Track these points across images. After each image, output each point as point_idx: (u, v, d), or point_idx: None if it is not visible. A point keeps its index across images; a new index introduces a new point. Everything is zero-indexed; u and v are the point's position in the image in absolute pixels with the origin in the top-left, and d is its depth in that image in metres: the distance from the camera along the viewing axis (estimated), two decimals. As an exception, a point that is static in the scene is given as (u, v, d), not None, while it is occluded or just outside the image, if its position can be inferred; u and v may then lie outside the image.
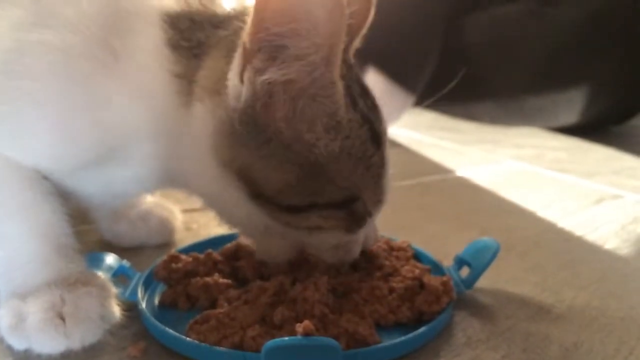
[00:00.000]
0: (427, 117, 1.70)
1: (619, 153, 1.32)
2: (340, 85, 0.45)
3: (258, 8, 0.40)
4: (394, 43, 1.35)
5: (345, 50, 0.46)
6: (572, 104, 1.47)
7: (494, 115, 1.58)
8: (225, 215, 0.53)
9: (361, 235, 0.53)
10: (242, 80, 0.44)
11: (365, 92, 0.51)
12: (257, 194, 0.47)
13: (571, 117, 1.50)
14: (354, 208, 0.49)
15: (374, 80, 1.34)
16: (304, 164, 0.46)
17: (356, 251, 0.54)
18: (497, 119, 1.59)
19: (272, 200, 0.47)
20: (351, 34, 0.53)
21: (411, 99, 1.47)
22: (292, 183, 0.46)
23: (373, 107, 0.51)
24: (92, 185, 0.53)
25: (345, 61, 0.46)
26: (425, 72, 1.50)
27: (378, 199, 0.51)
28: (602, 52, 1.42)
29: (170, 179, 0.52)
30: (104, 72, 0.47)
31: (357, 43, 0.54)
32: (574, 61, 1.44)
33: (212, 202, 0.52)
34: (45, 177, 0.50)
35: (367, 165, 0.48)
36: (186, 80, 0.48)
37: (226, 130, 0.46)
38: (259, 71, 0.43)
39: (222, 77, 0.45)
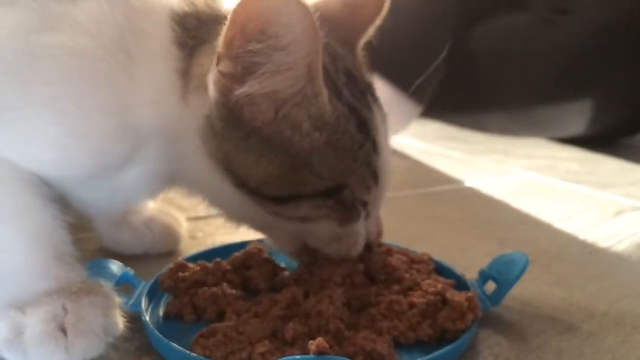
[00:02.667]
0: (434, 127, 1.68)
1: (632, 165, 1.30)
2: (324, 93, 0.46)
3: (231, 20, 0.41)
4: (401, 52, 1.34)
5: (327, 45, 0.47)
6: (582, 115, 1.45)
7: (503, 126, 1.56)
8: (223, 209, 0.53)
9: (360, 229, 0.52)
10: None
11: (354, 80, 0.51)
12: (243, 185, 0.47)
13: (580, 128, 1.48)
14: (342, 197, 0.49)
15: (381, 90, 1.32)
16: (286, 157, 0.46)
17: (359, 246, 0.53)
18: (506, 129, 1.57)
19: (256, 191, 0.47)
20: (361, 28, 0.55)
21: (418, 108, 1.46)
22: (274, 175, 0.46)
23: (361, 93, 0.51)
24: (96, 192, 0.52)
25: (329, 51, 0.48)
26: (432, 81, 1.48)
27: (368, 186, 0.50)
28: (613, 63, 1.41)
29: (173, 178, 0.53)
30: (119, 74, 0.47)
31: (368, 35, 0.55)
32: (584, 71, 1.42)
33: (209, 197, 0.53)
34: (46, 184, 0.48)
35: (354, 155, 0.48)
36: (185, 78, 0.48)
37: (209, 125, 0.46)
38: (224, 75, 0.44)
39: (206, 74, 0.46)
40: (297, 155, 0.46)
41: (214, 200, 0.53)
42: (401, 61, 1.38)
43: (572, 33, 1.43)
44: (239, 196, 0.48)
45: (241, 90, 0.44)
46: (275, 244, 0.55)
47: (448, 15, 1.50)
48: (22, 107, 0.45)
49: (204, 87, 0.46)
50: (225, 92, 0.44)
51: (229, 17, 0.41)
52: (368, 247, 0.55)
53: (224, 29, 0.42)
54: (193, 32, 0.49)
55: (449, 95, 1.56)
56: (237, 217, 0.53)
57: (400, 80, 1.37)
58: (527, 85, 1.50)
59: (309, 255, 0.53)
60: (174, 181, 0.54)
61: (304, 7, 0.40)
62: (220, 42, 0.42)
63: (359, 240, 0.53)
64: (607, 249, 0.74)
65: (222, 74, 0.44)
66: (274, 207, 0.48)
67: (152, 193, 0.59)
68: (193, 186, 0.53)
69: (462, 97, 1.58)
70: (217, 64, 0.43)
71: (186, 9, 0.50)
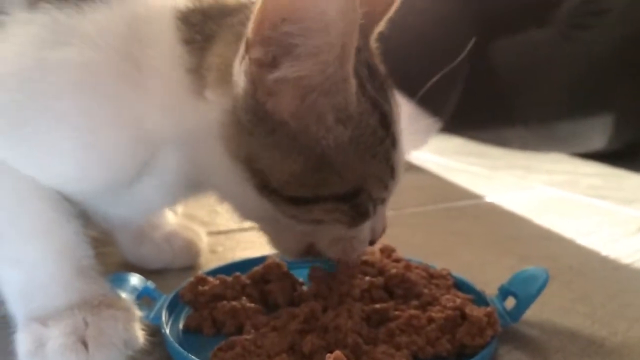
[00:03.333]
0: (455, 142, 1.67)
1: (655, 180, 1.28)
2: (352, 81, 0.44)
3: (264, 2, 0.39)
4: (420, 67, 1.34)
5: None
6: (603, 130, 1.44)
7: (524, 141, 1.55)
8: (238, 208, 0.52)
9: (365, 230, 0.52)
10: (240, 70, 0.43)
11: (373, 72, 0.50)
12: (264, 186, 0.46)
13: (601, 143, 1.46)
14: (359, 201, 0.48)
15: (402, 104, 1.32)
16: (310, 155, 0.45)
17: (360, 247, 0.53)
18: (527, 144, 1.55)
19: (277, 191, 0.46)
20: (375, 19, 0.53)
21: (438, 124, 1.45)
22: (297, 174, 0.45)
23: (381, 86, 0.49)
24: (116, 204, 0.52)
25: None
26: (452, 97, 1.48)
27: (386, 184, 0.49)
28: (634, 78, 1.39)
29: (192, 183, 0.52)
30: (129, 85, 0.46)
31: (380, 27, 0.54)
32: (604, 86, 1.41)
33: (226, 196, 0.52)
34: (68, 200, 0.48)
35: (375, 153, 0.47)
36: (197, 74, 0.46)
37: (232, 119, 0.45)
38: (259, 63, 0.42)
39: (229, 65, 0.44)
40: (321, 154, 0.45)
41: (230, 199, 0.52)
42: (421, 77, 1.38)
43: (593, 48, 1.42)
44: (256, 197, 0.47)
45: (273, 76, 0.42)
46: (277, 244, 0.54)
47: (468, 30, 1.50)
48: (36, 122, 0.45)
49: (224, 78, 0.45)
50: (256, 80, 0.42)
51: (257, 5, 0.39)
52: (370, 243, 0.54)
53: (254, 13, 0.40)
54: (199, 26, 0.47)
55: (470, 111, 1.56)
56: (249, 216, 0.53)
57: (420, 95, 1.37)
58: (547, 101, 1.49)
59: (311, 256, 0.53)
60: (194, 187, 0.53)
61: None
62: (249, 28, 0.40)
63: (364, 242, 0.52)
64: (630, 264, 0.72)
65: (253, 60, 0.42)
66: (289, 209, 0.47)
67: (174, 201, 0.59)
68: (211, 187, 0.52)
69: (483, 112, 1.58)
70: (247, 51, 0.42)
71: (190, 5, 0.49)
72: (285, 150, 0.44)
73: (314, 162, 0.45)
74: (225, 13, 0.48)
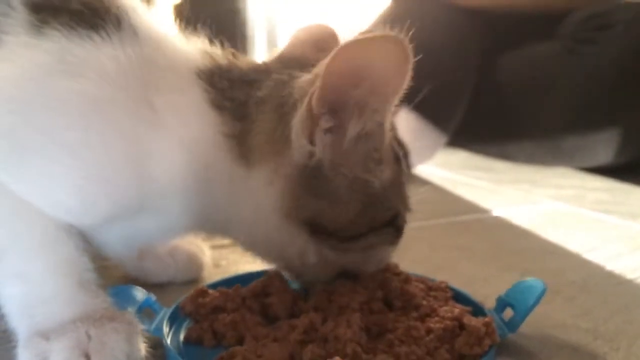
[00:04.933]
0: (460, 156, 1.67)
1: (663, 195, 1.27)
2: (388, 123, 0.48)
3: (327, 72, 0.42)
4: (426, 81, 1.35)
5: None
6: (609, 144, 1.43)
7: (530, 155, 1.55)
8: (271, 255, 0.55)
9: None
10: (311, 142, 0.46)
11: None
12: (320, 232, 0.49)
13: (608, 157, 1.45)
14: (398, 222, 0.53)
15: (406, 119, 1.33)
16: (364, 197, 0.49)
17: (390, 257, 0.57)
18: (533, 158, 1.55)
19: (333, 235, 0.50)
20: None
21: (443, 137, 1.45)
22: (355, 217, 0.49)
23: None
24: (115, 236, 0.52)
25: None
26: (458, 111, 1.48)
27: (407, 207, 0.54)
28: None
29: (204, 226, 0.54)
30: (142, 125, 0.47)
31: None
32: (610, 100, 1.41)
33: (258, 245, 0.54)
34: None
35: (400, 180, 0.52)
36: (237, 141, 0.49)
37: (293, 187, 0.48)
38: (328, 131, 0.46)
39: (277, 140, 0.48)
40: (372, 193, 0.49)
41: (262, 248, 0.54)
42: (428, 92, 1.38)
43: (598, 63, 1.42)
44: (305, 243, 0.50)
45: (348, 137, 0.46)
46: (306, 277, 0.56)
47: (474, 45, 1.51)
48: (41, 150, 0.45)
49: (274, 152, 0.48)
50: (332, 146, 0.47)
51: (322, 72, 0.42)
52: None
53: (318, 86, 0.43)
54: (227, 93, 0.50)
55: (476, 125, 1.56)
56: (281, 260, 0.55)
57: (426, 111, 1.37)
58: (553, 115, 1.49)
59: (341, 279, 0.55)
60: (205, 228, 0.56)
61: (398, 41, 0.41)
62: (315, 101, 0.44)
63: (390, 254, 0.57)
64: (634, 280, 0.72)
65: (326, 130, 0.46)
66: (345, 245, 0.51)
67: (173, 237, 0.61)
68: (237, 236, 0.55)
69: (489, 126, 1.58)
70: (316, 124, 0.45)
71: (208, 64, 0.51)
72: (346, 201, 0.49)
73: (367, 203, 0.49)
74: (246, 81, 0.51)
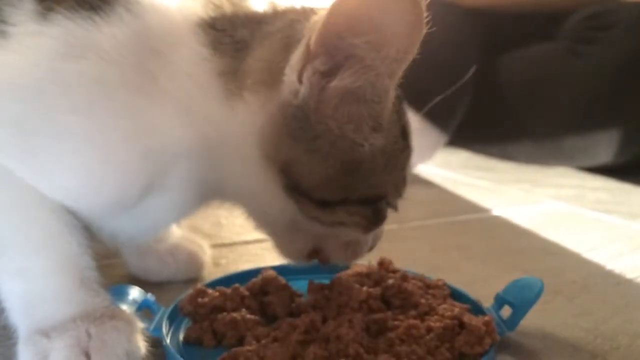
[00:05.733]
0: (461, 156, 1.67)
1: (664, 195, 1.27)
2: (392, 93, 0.46)
3: (334, 13, 0.40)
4: (427, 81, 1.34)
5: None
6: (610, 144, 1.43)
7: (531, 155, 1.55)
8: (255, 212, 0.53)
9: (370, 237, 0.54)
10: (300, 79, 0.44)
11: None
12: (293, 187, 0.47)
13: (608, 157, 1.45)
14: (379, 206, 0.51)
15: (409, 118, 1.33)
16: (345, 160, 0.46)
17: (365, 251, 0.55)
18: (534, 158, 1.55)
19: (306, 193, 0.48)
20: None
21: (444, 137, 1.45)
22: (330, 178, 0.47)
23: (399, 98, 0.51)
24: (123, 221, 0.51)
25: None
26: (458, 111, 1.48)
27: (400, 192, 0.52)
28: (640, 91, 1.39)
29: (204, 195, 0.53)
30: (145, 99, 0.46)
31: None
32: (611, 100, 1.41)
33: (245, 199, 0.53)
34: (72, 213, 0.48)
35: (396, 162, 0.50)
36: (231, 76, 0.47)
37: (276, 124, 0.46)
38: (318, 73, 0.43)
39: (275, 71, 0.45)
40: (355, 160, 0.47)
41: (250, 203, 0.53)
42: (427, 91, 1.38)
43: (599, 63, 1.42)
44: (281, 199, 0.48)
45: (332, 85, 0.43)
46: (284, 247, 0.55)
47: (475, 45, 1.51)
48: (46, 134, 0.45)
49: (266, 83, 0.46)
50: (315, 89, 0.44)
51: (327, 10, 0.40)
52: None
53: (319, 24, 0.41)
54: (227, 31, 0.48)
55: (477, 125, 1.56)
56: (265, 220, 0.54)
57: (427, 109, 1.37)
58: (554, 115, 1.49)
59: (314, 258, 0.55)
60: (205, 199, 0.54)
61: (415, 3, 0.39)
62: (313, 38, 0.41)
63: (367, 246, 0.55)
64: (634, 279, 0.72)
65: (317, 71, 0.43)
66: (313, 211, 0.48)
67: (182, 216, 0.59)
68: (229, 192, 0.52)
69: (489, 126, 1.58)
70: (309, 61, 0.43)
71: (212, 13, 0.49)
72: (324, 156, 0.46)
73: (347, 167, 0.47)
74: (256, 20, 0.49)
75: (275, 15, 0.49)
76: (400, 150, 0.50)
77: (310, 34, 0.42)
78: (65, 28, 0.45)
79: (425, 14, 0.39)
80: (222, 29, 0.48)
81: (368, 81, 0.44)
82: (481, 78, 1.49)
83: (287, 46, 0.45)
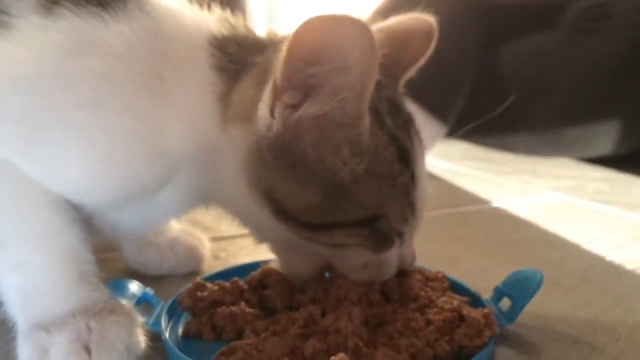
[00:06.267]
0: (461, 147, 1.67)
1: (663, 185, 1.27)
2: (366, 117, 0.45)
3: (292, 48, 0.41)
4: (427, 72, 1.34)
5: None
6: (610, 135, 1.43)
7: (530, 146, 1.54)
8: (254, 231, 0.54)
9: (393, 256, 0.52)
10: (272, 115, 0.44)
11: (396, 110, 0.51)
12: (281, 212, 0.47)
13: (608, 147, 1.46)
14: (379, 226, 0.49)
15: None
16: (327, 185, 0.46)
17: (388, 272, 0.53)
18: (534, 149, 1.55)
19: (293, 218, 0.47)
20: (405, 65, 0.55)
21: (444, 128, 1.45)
22: (314, 203, 0.46)
23: (404, 124, 0.50)
24: (127, 214, 0.52)
25: (376, 82, 0.46)
26: (459, 102, 1.48)
27: (405, 217, 0.50)
28: (640, 82, 1.39)
29: (206, 198, 0.53)
30: (151, 100, 0.46)
31: (411, 73, 0.56)
32: (611, 91, 1.40)
33: (242, 219, 0.53)
34: (73, 207, 0.48)
35: (393, 184, 0.48)
36: (225, 102, 0.48)
37: (254, 154, 0.46)
38: (289, 107, 0.44)
39: (253, 104, 0.46)
40: (338, 184, 0.46)
41: (246, 222, 0.53)
42: (427, 81, 1.38)
43: (599, 53, 1.42)
44: (273, 222, 0.48)
45: (297, 114, 0.44)
46: (291, 268, 0.55)
47: (475, 35, 1.50)
48: (52, 129, 0.45)
49: (245, 116, 0.47)
50: (286, 122, 0.44)
51: (285, 46, 0.41)
52: (402, 272, 0.55)
53: (280, 60, 0.41)
54: (234, 56, 0.49)
55: (476, 116, 1.55)
56: (266, 239, 0.54)
57: (427, 100, 1.37)
58: (554, 106, 1.48)
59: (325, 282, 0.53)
60: (206, 200, 0.54)
61: (364, 28, 0.40)
62: (277, 74, 0.42)
63: (392, 267, 0.52)
64: (634, 270, 0.72)
65: (287, 105, 0.44)
66: (308, 234, 0.48)
67: (185, 212, 0.59)
68: (226, 207, 0.54)
69: (491, 118, 1.57)
70: (279, 98, 0.43)
71: (225, 33, 0.50)
72: (304, 182, 0.46)
73: (330, 192, 0.46)
74: (258, 48, 0.50)
75: (269, 45, 0.50)
76: (397, 172, 0.48)
77: (276, 69, 0.43)
78: (71, 23, 0.45)
79: (374, 35, 0.40)
80: (230, 53, 0.49)
81: (335, 107, 0.44)
82: (481, 69, 1.49)
83: (262, 81, 0.46)
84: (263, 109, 0.45)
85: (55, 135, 0.45)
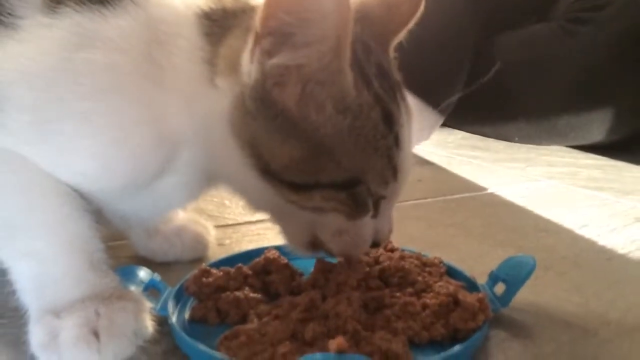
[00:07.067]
0: (457, 136, 1.68)
1: (655, 172, 1.28)
2: (349, 73, 0.46)
3: None
4: (423, 62, 1.35)
5: (361, 36, 0.49)
6: (603, 123, 1.44)
7: (525, 134, 1.56)
8: (247, 198, 0.54)
9: (368, 228, 0.52)
10: (252, 60, 0.46)
11: (384, 74, 0.51)
12: (265, 170, 0.48)
13: (601, 135, 1.47)
14: (357, 191, 0.49)
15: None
16: (310, 141, 0.47)
17: (362, 244, 0.53)
18: (528, 137, 1.56)
19: (277, 175, 0.48)
20: (395, 29, 0.55)
21: (440, 118, 1.46)
22: (296, 159, 0.47)
23: (390, 88, 0.51)
24: (137, 202, 0.53)
25: (363, 44, 0.49)
26: (455, 91, 1.49)
27: (386, 180, 0.50)
28: (633, 71, 1.40)
29: (208, 178, 0.54)
30: (152, 85, 0.48)
31: (401, 36, 0.56)
32: (604, 80, 1.41)
33: (235, 186, 0.54)
34: (83, 197, 0.50)
35: (376, 147, 0.48)
36: (212, 62, 0.49)
37: (239, 105, 0.47)
38: (267, 53, 0.45)
39: (238, 55, 0.47)
40: (321, 141, 0.47)
41: (240, 189, 0.54)
42: (424, 72, 1.39)
43: (593, 42, 1.43)
44: (260, 182, 0.49)
45: (273, 62, 0.45)
46: (286, 236, 0.56)
47: (470, 25, 1.51)
48: (59, 121, 0.47)
49: (232, 67, 0.47)
50: (264, 69, 0.45)
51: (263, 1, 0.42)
52: (375, 245, 0.55)
53: (261, 8, 0.43)
54: (219, 21, 0.50)
55: (472, 105, 1.56)
56: (258, 205, 0.54)
57: (423, 91, 1.38)
58: (548, 94, 1.50)
59: (317, 250, 0.54)
60: (210, 182, 0.56)
61: None
62: (258, 21, 0.43)
63: (365, 239, 0.53)
64: (625, 255, 0.73)
65: (264, 50, 0.45)
66: (290, 195, 0.49)
67: (191, 199, 0.60)
68: (224, 179, 0.54)
69: (485, 106, 1.58)
70: (258, 43, 0.44)
71: (213, 5, 0.51)
72: (286, 136, 0.47)
73: (312, 149, 0.47)
74: (243, 11, 0.50)
75: (255, 7, 0.50)
76: (380, 135, 0.48)
77: (257, 17, 0.44)
78: (75, 19, 0.47)
79: None
80: (215, 19, 0.50)
81: (312, 58, 0.45)
82: (476, 58, 1.50)
83: (247, 31, 0.47)
84: (245, 57, 0.46)
85: (65, 126, 0.47)
